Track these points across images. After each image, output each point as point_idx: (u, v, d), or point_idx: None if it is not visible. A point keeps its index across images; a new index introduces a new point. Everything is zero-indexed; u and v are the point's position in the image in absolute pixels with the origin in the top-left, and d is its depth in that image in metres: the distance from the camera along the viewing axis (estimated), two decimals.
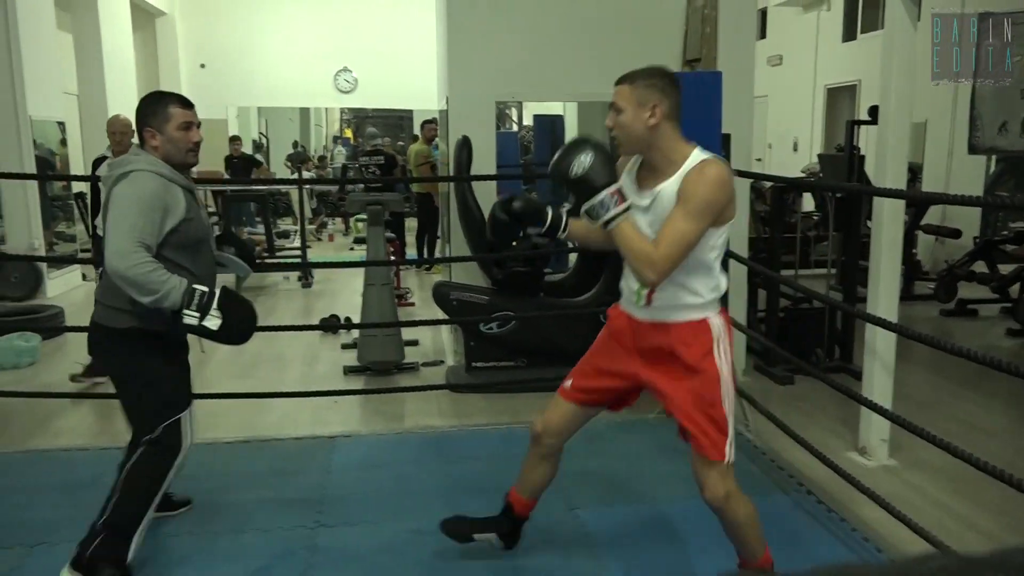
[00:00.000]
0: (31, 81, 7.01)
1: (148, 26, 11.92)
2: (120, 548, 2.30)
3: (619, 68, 4.81)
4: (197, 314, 2.18)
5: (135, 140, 2.47)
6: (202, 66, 12.57)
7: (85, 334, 2.54)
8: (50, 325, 5.37)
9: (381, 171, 8.42)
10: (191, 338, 2.42)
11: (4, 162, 6.88)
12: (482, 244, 4.63)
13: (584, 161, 1.99)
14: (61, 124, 7.99)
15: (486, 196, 4.76)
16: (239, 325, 2.27)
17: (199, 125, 2.42)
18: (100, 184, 2.40)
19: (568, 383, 2.36)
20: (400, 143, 14.37)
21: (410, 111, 14.57)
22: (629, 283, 2.18)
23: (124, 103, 9.92)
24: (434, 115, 9.48)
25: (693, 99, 3.52)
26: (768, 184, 7.12)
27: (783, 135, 12.02)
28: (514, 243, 2.69)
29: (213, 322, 2.20)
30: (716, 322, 2.11)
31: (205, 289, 2.21)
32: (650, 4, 4.98)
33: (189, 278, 2.24)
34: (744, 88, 4.65)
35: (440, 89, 6.15)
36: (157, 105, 2.35)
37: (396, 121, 16.48)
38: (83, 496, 2.99)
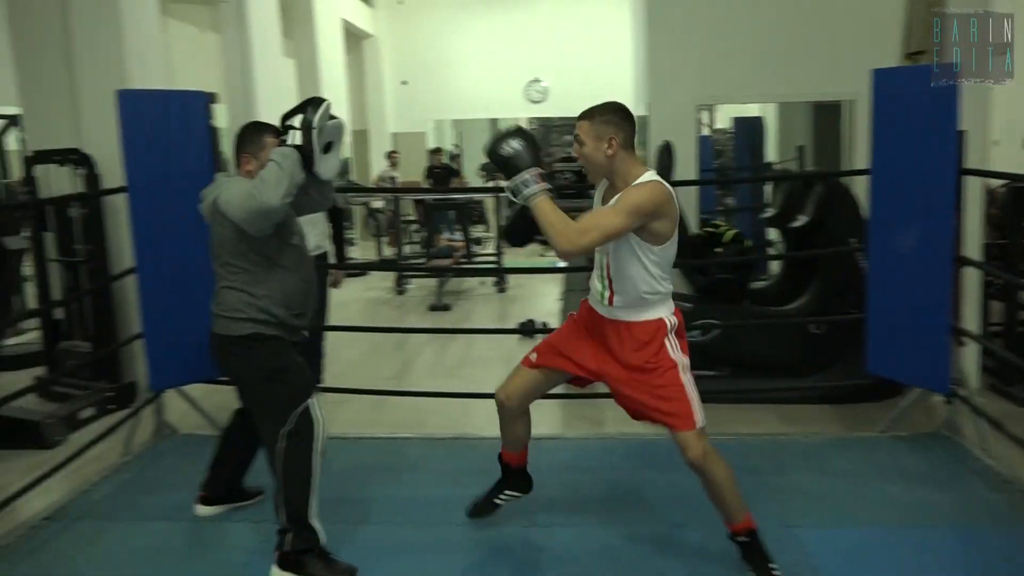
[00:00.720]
0: (262, 103, 7.76)
1: (357, 48, 12.85)
2: (310, 537, 2.49)
3: (830, 65, 4.58)
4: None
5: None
6: (404, 83, 13.35)
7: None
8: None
9: (577, 177, 8.55)
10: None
11: None
12: (685, 251, 4.55)
13: (514, 146, 2.31)
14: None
15: (687, 203, 4.70)
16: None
17: None
18: (201, 206, 2.63)
19: (533, 356, 2.67)
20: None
21: None
22: (595, 283, 2.50)
23: None
24: None
25: (924, 95, 3.28)
26: (996, 183, 6.45)
27: (1012, 131, 10.83)
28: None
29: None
30: (669, 320, 2.44)
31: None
32: None
33: (285, 276, 2.54)
34: None
35: (637, 94, 6.14)
36: (255, 134, 2.59)
37: None
38: (378, 478, 3.30)
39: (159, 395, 3.77)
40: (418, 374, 5.31)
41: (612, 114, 2.36)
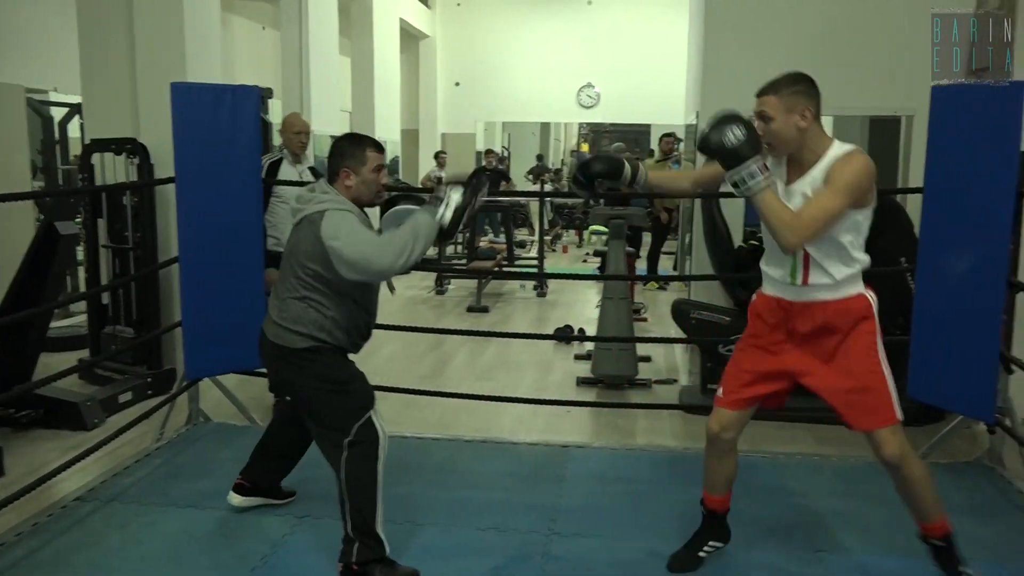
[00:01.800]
0: (316, 101, 7.89)
1: (412, 48, 12.96)
2: (375, 546, 2.46)
3: (889, 78, 4.52)
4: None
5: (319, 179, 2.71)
6: (456, 84, 13.44)
7: None
8: None
9: None
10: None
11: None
12: (728, 263, 4.47)
13: (738, 134, 2.13)
14: (335, 138, 8.90)
15: (735, 214, 4.62)
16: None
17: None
18: (294, 206, 2.56)
19: (720, 391, 2.50)
20: (636, 158, 14.39)
21: (648, 125, 14.56)
22: (776, 268, 2.33)
23: (388, 118, 10.86)
24: (672, 129, 9.37)
25: (986, 113, 3.16)
26: None
27: None
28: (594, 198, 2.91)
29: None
30: (869, 294, 2.29)
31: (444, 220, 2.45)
32: (925, 9, 4.54)
33: (353, 308, 2.53)
34: None
35: (689, 103, 6.06)
36: (356, 148, 2.53)
37: (633, 136, 16.52)
38: (404, 478, 3.13)
39: (195, 383, 3.84)
40: (452, 375, 5.31)
41: (803, 84, 2.21)
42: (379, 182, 2.56)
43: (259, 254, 3.78)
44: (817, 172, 2.20)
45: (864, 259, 2.27)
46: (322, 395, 2.51)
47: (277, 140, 8.36)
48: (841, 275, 2.25)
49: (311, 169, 4.52)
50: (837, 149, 2.21)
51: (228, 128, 3.64)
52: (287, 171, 4.31)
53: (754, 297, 2.49)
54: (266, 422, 3.98)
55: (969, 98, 3.22)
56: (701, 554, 2.60)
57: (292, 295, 2.51)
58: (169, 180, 3.72)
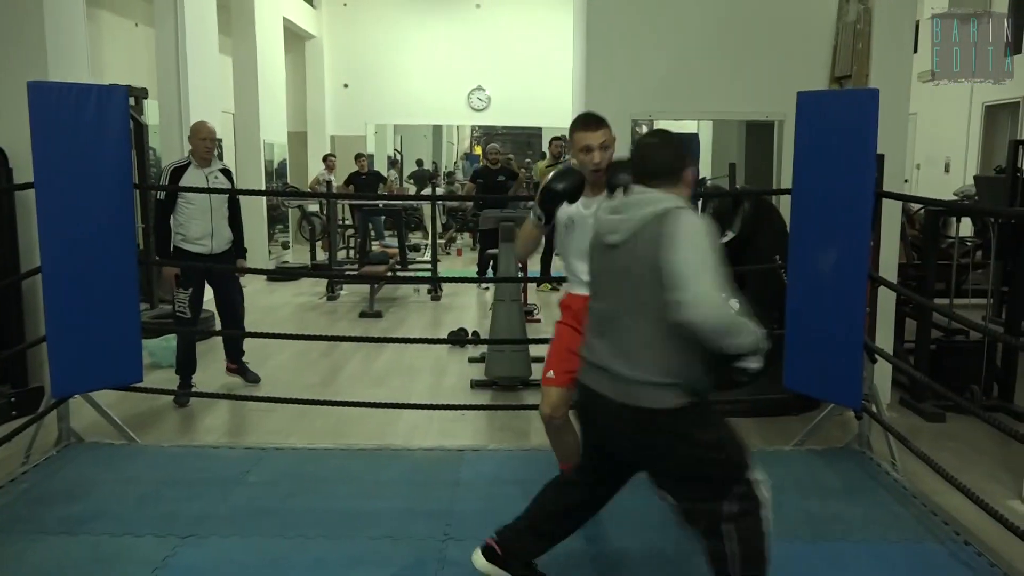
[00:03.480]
0: (195, 101, 7.56)
1: (298, 48, 12.65)
2: None
3: (762, 85, 4.74)
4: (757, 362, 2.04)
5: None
6: (345, 86, 13.22)
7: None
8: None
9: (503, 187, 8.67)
10: None
11: None
12: None
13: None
14: (218, 140, 8.56)
15: None
16: None
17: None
18: (606, 217, 2.17)
19: (550, 373, 2.78)
20: (528, 160, 14.57)
21: (539, 128, 14.75)
22: (581, 266, 2.59)
23: (274, 120, 10.56)
24: (563, 132, 9.55)
25: (845, 118, 3.37)
26: (916, 207, 6.69)
27: (933, 155, 11.29)
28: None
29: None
30: None
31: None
32: (796, 20, 4.80)
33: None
34: (898, 106, 4.38)
35: (575, 106, 6.17)
36: (677, 160, 2.15)
37: (525, 139, 16.70)
38: (230, 492, 3.18)
39: (63, 401, 3.60)
40: (345, 382, 5.21)
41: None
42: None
43: (131, 262, 3.60)
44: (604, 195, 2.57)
45: None
46: (692, 461, 2.11)
47: (155, 142, 8.03)
48: None
49: (223, 171, 4.78)
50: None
51: (93, 130, 3.44)
52: (194, 175, 4.60)
53: (562, 294, 2.83)
54: (145, 440, 3.80)
55: (830, 104, 3.43)
56: None
57: (645, 338, 2.05)
58: (28, 186, 3.48)
